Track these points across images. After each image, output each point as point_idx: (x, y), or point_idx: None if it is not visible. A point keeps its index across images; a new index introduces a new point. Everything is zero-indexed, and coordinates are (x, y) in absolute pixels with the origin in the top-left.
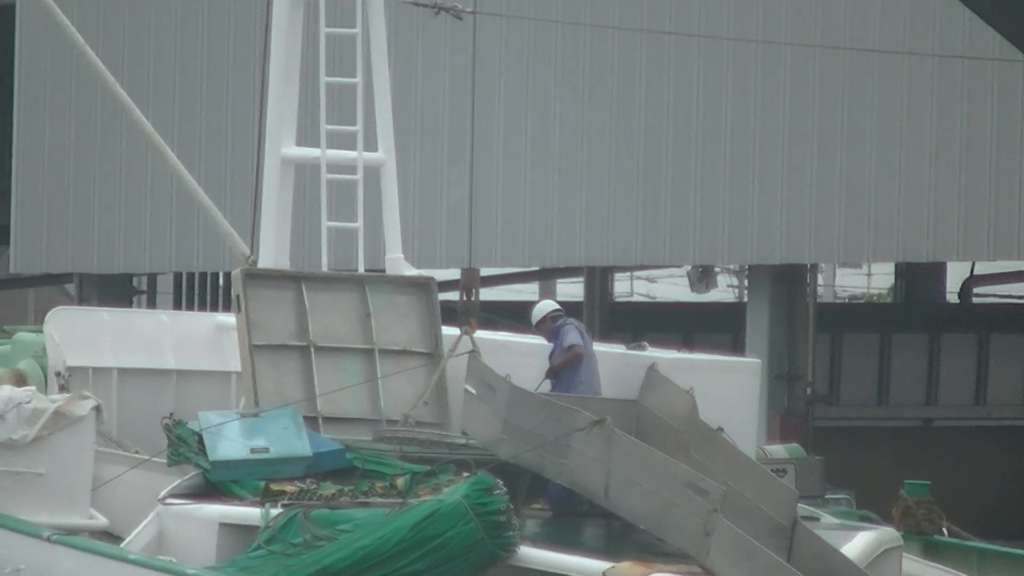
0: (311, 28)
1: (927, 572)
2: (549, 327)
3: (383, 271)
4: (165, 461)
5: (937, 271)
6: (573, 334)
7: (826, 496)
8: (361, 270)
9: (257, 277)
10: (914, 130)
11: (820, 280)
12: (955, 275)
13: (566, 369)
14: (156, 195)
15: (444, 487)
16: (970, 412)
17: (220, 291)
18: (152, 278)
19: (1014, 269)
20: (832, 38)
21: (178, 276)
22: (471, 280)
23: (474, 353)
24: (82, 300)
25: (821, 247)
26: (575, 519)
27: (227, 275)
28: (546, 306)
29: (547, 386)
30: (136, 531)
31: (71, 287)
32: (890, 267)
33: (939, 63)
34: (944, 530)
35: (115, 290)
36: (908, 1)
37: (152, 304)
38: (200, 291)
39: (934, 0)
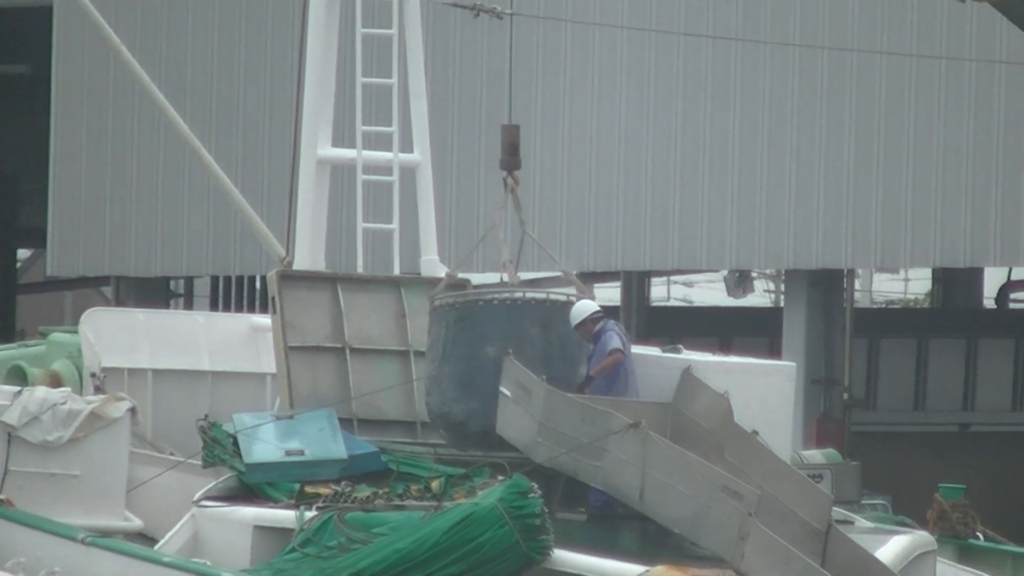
0: (347, 29)
1: None
2: (589, 329)
3: (419, 273)
4: (200, 463)
5: (974, 276)
6: (616, 339)
7: (863, 501)
8: (396, 272)
9: (292, 278)
10: (951, 135)
11: (857, 285)
12: (992, 280)
13: (603, 375)
14: (193, 198)
15: (479, 490)
16: (1007, 418)
17: (257, 295)
18: (189, 281)
19: None
20: (870, 43)
21: (215, 279)
22: (512, 136)
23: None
24: (119, 303)
25: (858, 252)
26: (610, 522)
27: (264, 278)
28: (587, 307)
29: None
30: (171, 533)
31: (108, 290)
32: (927, 272)
33: (976, 68)
34: (979, 534)
35: (152, 293)
36: (945, 7)
37: (189, 308)
38: (237, 294)
39: (971, 6)
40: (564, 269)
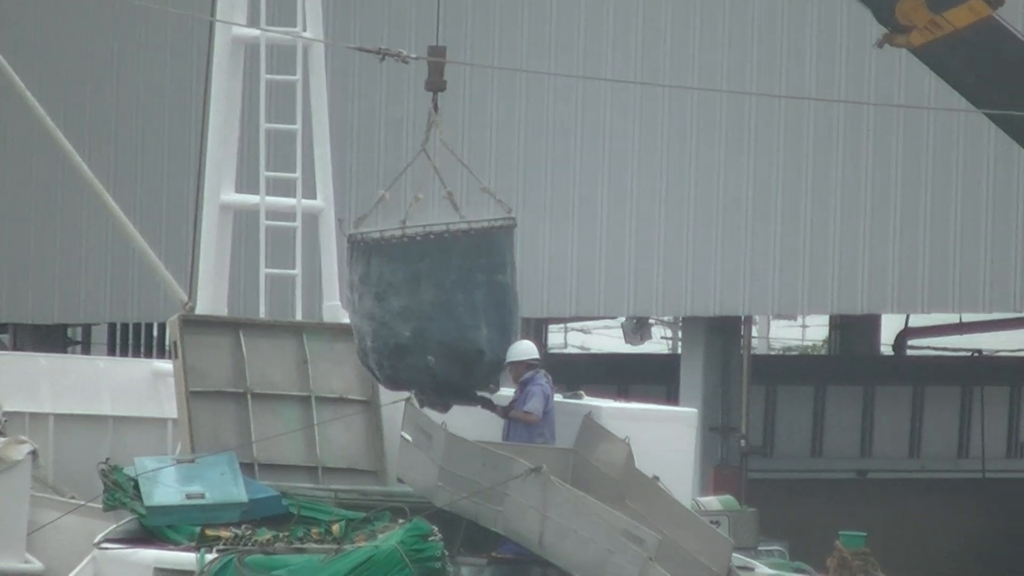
0: (251, 74)
1: None
2: (521, 372)
3: (321, 319)
4: (101, 506)
5: (872, 323)
6: (537, 399)
7: (759, 548)
8: (299, 317)
9: (194, 323)
10: (850, 182)
11: (754, 332)
12: (890, 327)
13: (518, 424)
14: (92, 245)
15: (380, 533)
16: (904, 464)
17: (155, 342)
18: (87, 328)
19: (948, 322)
20: (770, 86)
21: (112, 326)
22: (438, 56)
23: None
24: (16, 350)
25: (756, 299)
26: (512, 566)
27: (162, 325)
28: (527, 350)
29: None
30: (71, 575)
31: (6, 337)
32: (825, 319)
33: (875, 121)
34: None
35: (50, 340)
36: (845, 52)
37: (87, 354)
38: (135, 341)
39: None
40: (484, 186)
